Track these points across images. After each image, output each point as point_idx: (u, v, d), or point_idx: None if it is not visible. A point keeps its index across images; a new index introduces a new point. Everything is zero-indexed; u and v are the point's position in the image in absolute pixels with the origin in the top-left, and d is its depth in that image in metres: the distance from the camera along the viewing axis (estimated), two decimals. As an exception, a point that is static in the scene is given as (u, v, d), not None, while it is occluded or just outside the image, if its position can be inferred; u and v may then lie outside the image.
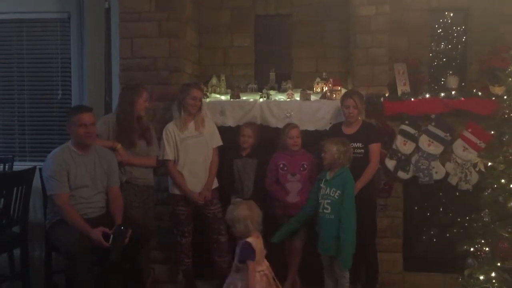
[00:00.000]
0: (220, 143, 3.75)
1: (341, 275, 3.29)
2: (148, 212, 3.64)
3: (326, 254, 3.34)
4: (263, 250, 2.98)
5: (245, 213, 2.94)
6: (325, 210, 3.27)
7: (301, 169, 3.68)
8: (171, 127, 3.64)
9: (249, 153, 3.81)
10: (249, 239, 2.90)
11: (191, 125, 3.66)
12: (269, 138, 3.85)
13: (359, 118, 3.67)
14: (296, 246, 3.65)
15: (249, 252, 2.87)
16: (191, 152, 3.62)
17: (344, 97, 3.67)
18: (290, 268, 3.74)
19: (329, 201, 3.27)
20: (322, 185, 3.33)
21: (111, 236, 3.01)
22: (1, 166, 4.55)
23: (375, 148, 3.60)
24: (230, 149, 3.81)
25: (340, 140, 3.36)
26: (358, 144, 3.55)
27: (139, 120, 3.56)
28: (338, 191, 3.25)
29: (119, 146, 3.45)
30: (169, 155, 3.61)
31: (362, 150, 3.58)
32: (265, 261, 3.01)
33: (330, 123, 3.84)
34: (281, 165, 3.71)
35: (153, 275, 3.89)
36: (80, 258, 2.94)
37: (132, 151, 3.51)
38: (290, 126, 3.73)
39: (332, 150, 3.29)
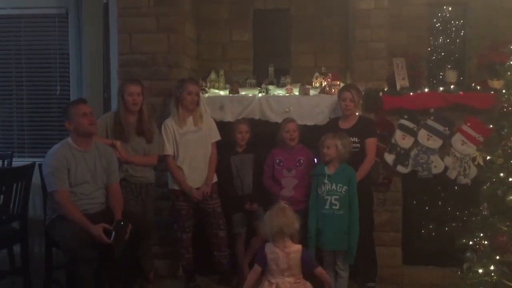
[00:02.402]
0: (219, 137, 3.75)
1: (344, 269, 3.32)
2: (147, 209, 3.63)
3: (333, 250, 3.35)
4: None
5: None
6: (333, 206, 3.28)
7: (297, 164, 3.67)
8: (170, 123, 3.64)
9: (246, 149, 3.80)
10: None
11: (190, 120, 3.65)
12: (265, 133, 3.86)
13: (356, 113, 3.68)
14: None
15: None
16: (190, 147, 3.62)
17: (342, 90, 3.69)
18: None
19: (337, 196, 3.28)
20: (326, 180, 3.33)
21: (113, 232, 3.01)
22: (0, 162, 4.55)
23: (371, 142, 3.61)
24: (226, 146, 3.80)
25: (339, 135, 3.38)
26: (354, 138, 3.56)
27: (139, 116, 3.54)
28: (345, 187, 3.28)
29: (118, 143, 3.44)
30: (169, 150, 3.61)
31: (359, 145, 3.59)
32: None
33: (329, 118, 3.85)
34: (277, 161, 3.70)
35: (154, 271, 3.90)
36: (80, 253, 2.94)
37: (126, 145, 3.50)
38: (287, 120, 3.73)
39: (337, 145, 3.30)
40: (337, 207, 3.27)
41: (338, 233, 3.27)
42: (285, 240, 2.75)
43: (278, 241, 2.75)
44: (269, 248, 2.76)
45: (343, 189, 3.28)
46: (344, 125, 3.66)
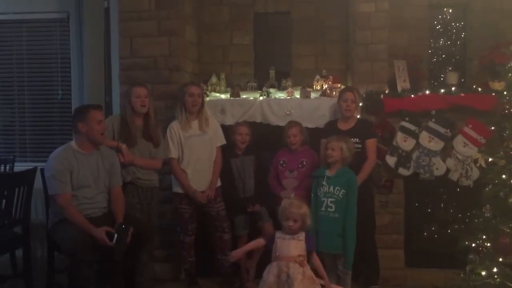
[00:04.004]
0: (224, 142, 3.76)
1: (345, 272, 3.30)
2: (151, 213, 3.62)
3: (332, 254, 3.34)
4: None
5: None
6: (329, 209, 3.27)
7: (300, 166, 3.69)
8: (175, 126, 3.64)
9: (246, 151, 3.81)
10: None
11: (195, 124, 3.64)
12: (266, 135, 3.87)
13: (355, 115, 3.69)
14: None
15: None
16: (195, 150, 3.62)
17: (343, 91, 3.71)
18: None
19: (333, 199, 3.27)
20: (324, 182, 3.33)
21: (115, 235, 3.02)
22: (2, 167, 4.56)
23: (371, 144, 3.62)
24: (226, 148, 3.80)
25: (344, 138, 3.38)
26: (355, 139, 3.57)
27: (146, 120, 3.54)
28: (343, 190, 3.26)
29: (123, 146, 3.44)
30: (173, 153, 3.61)
31: (360, 145, 3.60)
32: None
33: (330, 120, 3.85)
34: (281, 162, 3.73)
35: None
36: (81, 256, 2.95)
37: (134, 149, 3.50)
38: (289, 124, 3.74)
39: (342, 148, 3.30)
40: (332, 209, 3.26)
41: (332, 235, 3.26)
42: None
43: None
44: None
45: (341, 193, 3.26)
46: (344, 126, 3.67)
